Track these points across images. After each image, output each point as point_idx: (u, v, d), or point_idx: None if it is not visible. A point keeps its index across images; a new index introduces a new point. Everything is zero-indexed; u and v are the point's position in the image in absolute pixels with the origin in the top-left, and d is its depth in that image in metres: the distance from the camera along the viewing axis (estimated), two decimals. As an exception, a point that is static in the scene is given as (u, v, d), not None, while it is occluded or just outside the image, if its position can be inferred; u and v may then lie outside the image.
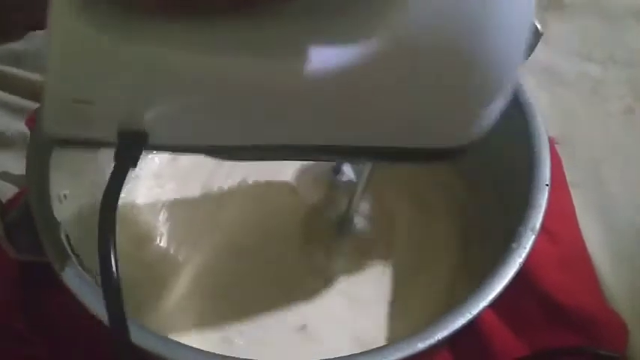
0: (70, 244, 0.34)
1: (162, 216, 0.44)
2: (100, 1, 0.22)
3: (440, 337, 0.30)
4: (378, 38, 0.22)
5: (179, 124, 0.25)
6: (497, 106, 0.23)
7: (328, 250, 0.42)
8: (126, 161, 0.25)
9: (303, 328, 0.40)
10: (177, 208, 0.44)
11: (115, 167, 0.25)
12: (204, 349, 0.30)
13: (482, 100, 0.23)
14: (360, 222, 0.43)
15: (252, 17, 0.22)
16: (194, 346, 0.30)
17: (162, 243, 0.43)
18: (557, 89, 0.56)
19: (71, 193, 0.37)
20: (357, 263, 0.42)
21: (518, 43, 0.22)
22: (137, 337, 0.29)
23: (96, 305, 0.30)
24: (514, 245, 0.33)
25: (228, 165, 0.46)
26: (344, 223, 0.42)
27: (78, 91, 0.24)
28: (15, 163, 0.47)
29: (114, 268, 0.24)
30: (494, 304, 0.32)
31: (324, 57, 0.22)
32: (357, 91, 0.23)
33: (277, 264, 0.42)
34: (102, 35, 0.22)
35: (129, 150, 0.25)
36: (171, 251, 0.43)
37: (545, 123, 0.38)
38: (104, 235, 0.24)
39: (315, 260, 0.42)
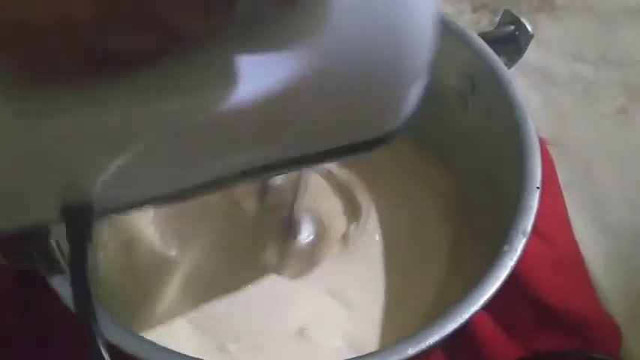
0: (60, 250, 0.33)
1: (151, 219, 0.44)
2: (8, 81, 0.21)
3: (431, 342, 0.30)
4: (304, 56, 0.23)
5: (122, 183, 0.24)
6: (416, 92, 0.25)
7: (280, 252, 0.42)
8: (80, 239, 0.24)
9: (300, 333, 0.40)
10: (168, 209, 0.44)
11: (71, 249, 0.24)
12: (198, 355, 0.30)
13: (402, 93, 0.25)
14: (305, 222, 0.42)
15: (172, 58, 0.21)
16: (188, 351, 0.30)
17: (152, 247, 0.43)
18: (549, 90, 0.56)
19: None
20: (310, 264, 0.42)
21: (426, 40, 0.24)
22: (124, 342, 0.29)
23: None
24: (506, 248, 0.33)
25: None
26: (290, 225, 0.42)
27: (4, 180, 0.23)
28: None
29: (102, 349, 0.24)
30: (487, 307, 0.31)
31: (254, 79, 0.22)
32: (291, 106, 0.24)
33: (264, 267, 0.42)
34: (19, 115, 0.21)
35: (78, 226, 0.24)
36: (162, 255, 0.42)
37: (537, 124, 0.38)
38: (86, 324, 0.23)
39: (267, 263, 0.42)
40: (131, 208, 0.27)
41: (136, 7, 0.19)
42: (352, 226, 0.44)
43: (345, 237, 0.44)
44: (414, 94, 0.26)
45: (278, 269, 0.42)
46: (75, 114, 0.22)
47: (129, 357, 0.29)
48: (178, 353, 0.30)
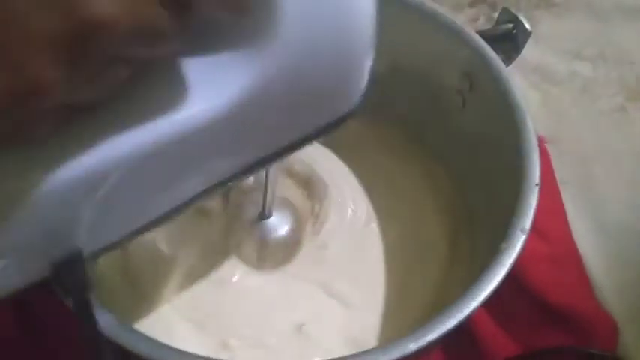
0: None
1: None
2: None
3: (432, 338, 0.30)
4: (264, 57, 0.23)
5: (109, 220, 0.24)
6: (367, 68, 0.27)
7: (258, 245, 0.42)
8: (81, 291, 0.24)
9: (299, 328, 0.40)
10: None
11: (74, 302, 0.24)
12: (200, 352, 0.30)
13: (355, 74, 0.27)
14: (276, 210, 0.42)
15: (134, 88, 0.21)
16: (190, 349, 0.30)
17: (149, 246, 0.42)
18: (547, 88, 0.56)
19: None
20: (285, 261, 0.42)
21: (370, 19, 0.26)
22: (128, 340, 0.29)
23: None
24: (504, 245, 0.33)
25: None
26: (262, 217, 0.42)
27: None
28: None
29: None
30: (486, 304, 0.32)
31: (222, 87, 0.23)
32: (262, 105, 0.24)
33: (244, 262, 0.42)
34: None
35: (73, 277, 0.24)
36: (159, 254, 0.42)
37: (535, 122, 0.38)
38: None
39: (247, 258, 0.42)
40: (121, 242, 0.27)
41: (100, 52, 0.19)
42: (316, 204, 0.44)
43: (314, 215, 0.44)
44: (365, 73, 0.27)
45: (259, 262, 0.42)
46: (47, 165, 0.21)
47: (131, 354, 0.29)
48: (185, 352, 0.30)
